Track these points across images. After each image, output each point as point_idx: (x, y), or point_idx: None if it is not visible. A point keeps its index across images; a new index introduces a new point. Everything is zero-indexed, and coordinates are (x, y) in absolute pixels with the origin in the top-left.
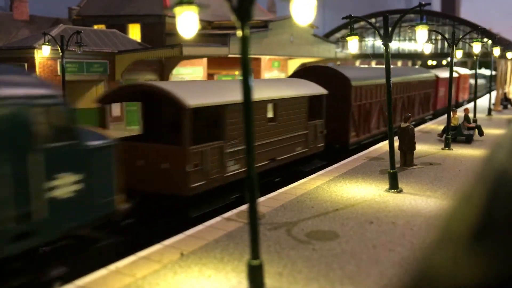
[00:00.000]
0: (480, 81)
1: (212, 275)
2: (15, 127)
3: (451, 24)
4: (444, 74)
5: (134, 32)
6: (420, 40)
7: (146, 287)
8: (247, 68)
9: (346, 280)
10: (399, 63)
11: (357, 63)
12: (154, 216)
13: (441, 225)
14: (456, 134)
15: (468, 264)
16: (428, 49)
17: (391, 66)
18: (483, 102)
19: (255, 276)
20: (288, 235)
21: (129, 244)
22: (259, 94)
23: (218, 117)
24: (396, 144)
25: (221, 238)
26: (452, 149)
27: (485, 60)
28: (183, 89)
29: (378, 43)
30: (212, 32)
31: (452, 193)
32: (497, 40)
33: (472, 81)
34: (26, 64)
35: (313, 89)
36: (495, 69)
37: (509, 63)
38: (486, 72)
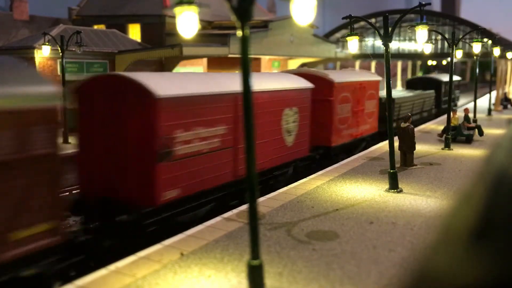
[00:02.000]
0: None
1: (212, 275)
2: None
3: (451, 24)
4: (267, 84)
5: (134, 32)
6: (420, 40)
7: (146, 287)
8: (247, 68)
9: (346, 280)
10: (399, 63)
11: (357, 63)
12: None
13: (441, 225)
14: (456, 134)
15: (468, 264)
16: (428, 49)
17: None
18: (483, 102)
19: (255, 276)
20: (288, 235)
21: None
22: None
23: None
24: (396, 144)
25: (221, 238)
26: (452, 149)
27: (485, 60)
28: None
29: (378, 43)
30: (212, 32)
31: (452, 193)
32: (497, 40)
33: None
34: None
35: None
36: (495, 72)
37: (509, 63)
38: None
